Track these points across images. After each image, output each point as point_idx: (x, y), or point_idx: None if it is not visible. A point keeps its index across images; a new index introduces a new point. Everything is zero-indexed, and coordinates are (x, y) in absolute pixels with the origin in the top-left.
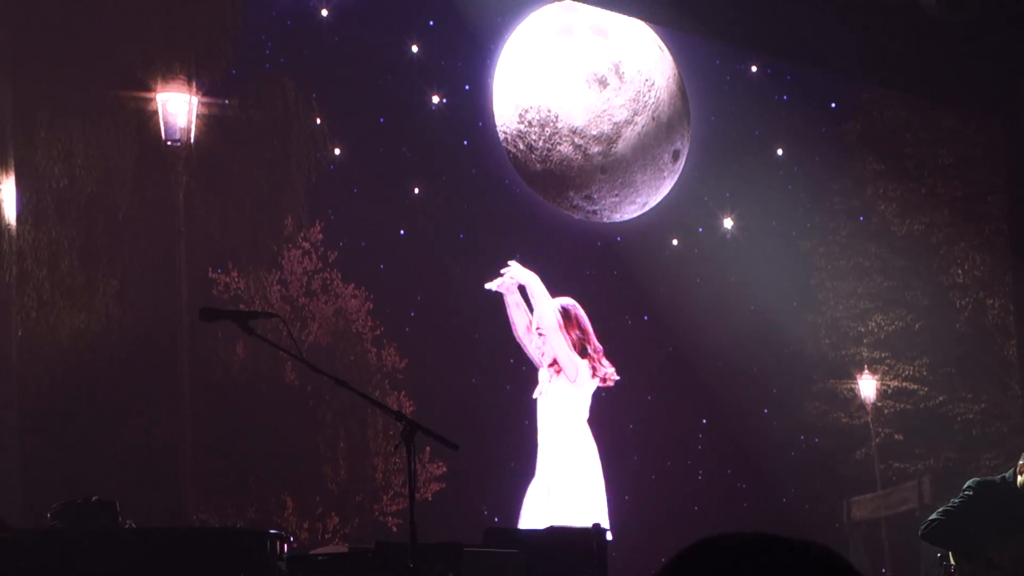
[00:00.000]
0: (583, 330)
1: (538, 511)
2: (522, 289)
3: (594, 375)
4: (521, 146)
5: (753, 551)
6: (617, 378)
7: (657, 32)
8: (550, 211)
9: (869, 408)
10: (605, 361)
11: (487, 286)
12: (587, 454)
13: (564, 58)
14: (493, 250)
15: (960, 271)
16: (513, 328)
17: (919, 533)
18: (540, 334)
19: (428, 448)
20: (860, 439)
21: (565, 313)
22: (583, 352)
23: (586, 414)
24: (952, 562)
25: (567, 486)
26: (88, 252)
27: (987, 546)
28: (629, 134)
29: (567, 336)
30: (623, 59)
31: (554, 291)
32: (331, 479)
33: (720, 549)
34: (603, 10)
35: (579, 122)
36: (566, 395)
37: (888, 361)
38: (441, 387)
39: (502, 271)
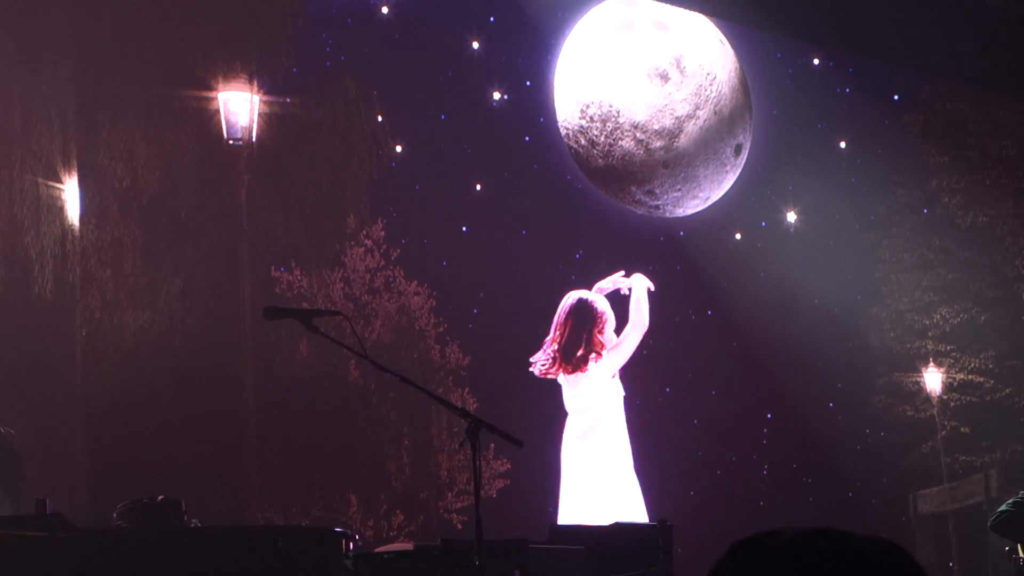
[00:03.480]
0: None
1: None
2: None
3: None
4: (583, 141)
5: (806, 545)
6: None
7: (718, 26)
8: (612, 206)
9: (935, 401)
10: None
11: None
12: None
13: (625, 53)
14: (555, 246)
15: None
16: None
17: (988, 525)
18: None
19: (492, 445)
20: (926, 432)
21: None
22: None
23: None
24: (1021, 554)
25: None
26: (151, 252)
27: None
28: (691, 128)
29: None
30: (684, 53)
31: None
32: (396, 477)
33: (772, 543)
34: (664, 4)
35: (641, 117)
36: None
37: (953, 354)
38: (505, 384)
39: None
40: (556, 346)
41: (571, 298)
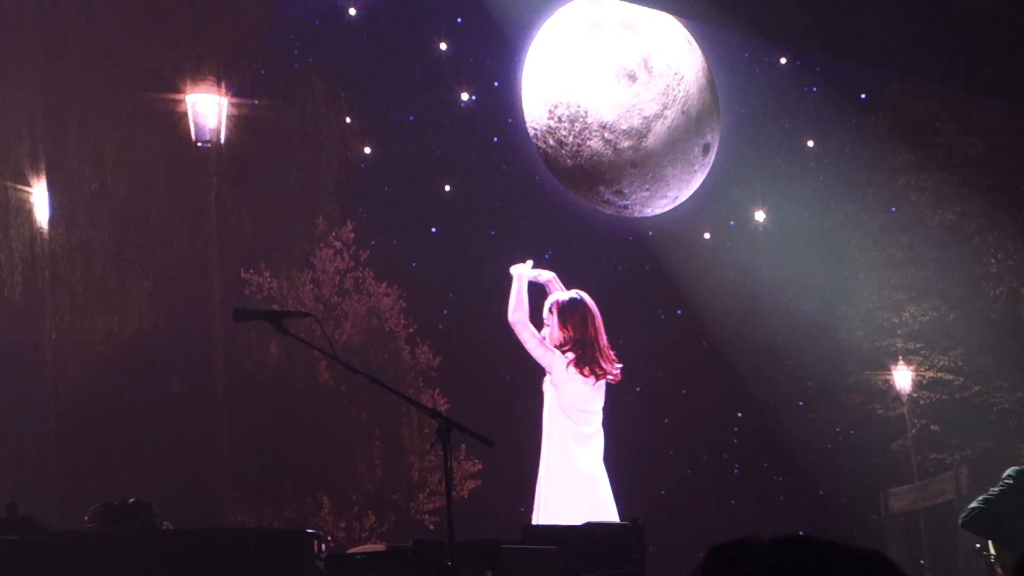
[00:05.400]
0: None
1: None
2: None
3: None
4: (551, 142)
5: (789, 550)
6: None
7: (685, 26)
8: (581, 206)
9: (905, 399)
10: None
11: (532, 273)
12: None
13: (593, 53)
14: (525, 246)
15: (993, 260)
16: (523, 310)
17: (959, 521)
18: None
19: (464, 445)
20: (896, 430)
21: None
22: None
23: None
24: (992, 551)
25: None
26: (120, 254)
27: None
28: (659, 128)
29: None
30: (652, 53)
31: (586, 286)
32: (367, 478)
33: (754, 547)
34: (631, 4)
35: (609, 117)
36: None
37: (923, 352)
38: (475, 384)
39: (539, 273)
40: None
41: (585, 298)
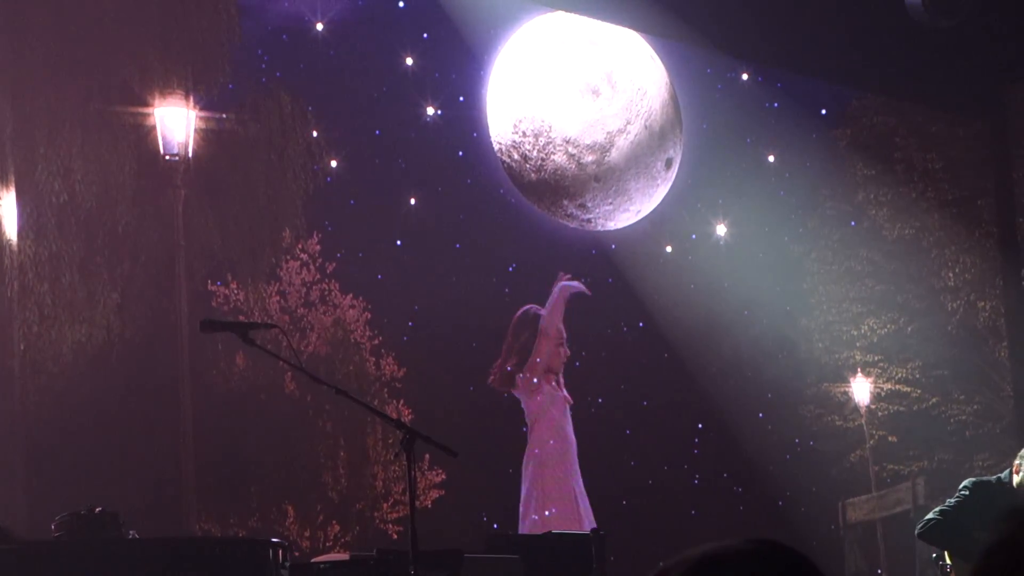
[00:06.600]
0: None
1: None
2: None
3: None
4: (516, 156)
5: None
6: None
7: (648, 42)
8: (545, 220)
9: (863, 411)
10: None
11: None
12: None
13: (557, 68)
14: (489, 259)
15: (951, 274)
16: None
17: (915, 532)
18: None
19: (427, 456)
20: (854, 441)
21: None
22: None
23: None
24: (948, 562)
25: None
26: (88, 266)
27: (982, 546)
28: (622, 143)
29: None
30: (615, 69)
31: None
32: (332, 488)
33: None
34: (595, 20)
35: (572, 131)
36: None
37: (881, 364)
38: (439, 395)
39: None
40: (515, 361)
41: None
